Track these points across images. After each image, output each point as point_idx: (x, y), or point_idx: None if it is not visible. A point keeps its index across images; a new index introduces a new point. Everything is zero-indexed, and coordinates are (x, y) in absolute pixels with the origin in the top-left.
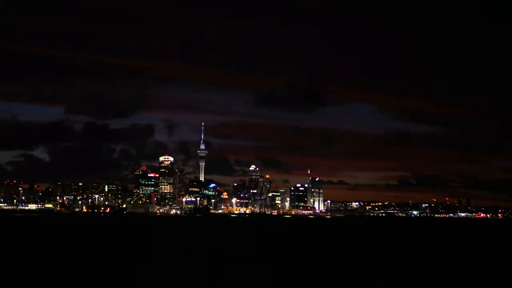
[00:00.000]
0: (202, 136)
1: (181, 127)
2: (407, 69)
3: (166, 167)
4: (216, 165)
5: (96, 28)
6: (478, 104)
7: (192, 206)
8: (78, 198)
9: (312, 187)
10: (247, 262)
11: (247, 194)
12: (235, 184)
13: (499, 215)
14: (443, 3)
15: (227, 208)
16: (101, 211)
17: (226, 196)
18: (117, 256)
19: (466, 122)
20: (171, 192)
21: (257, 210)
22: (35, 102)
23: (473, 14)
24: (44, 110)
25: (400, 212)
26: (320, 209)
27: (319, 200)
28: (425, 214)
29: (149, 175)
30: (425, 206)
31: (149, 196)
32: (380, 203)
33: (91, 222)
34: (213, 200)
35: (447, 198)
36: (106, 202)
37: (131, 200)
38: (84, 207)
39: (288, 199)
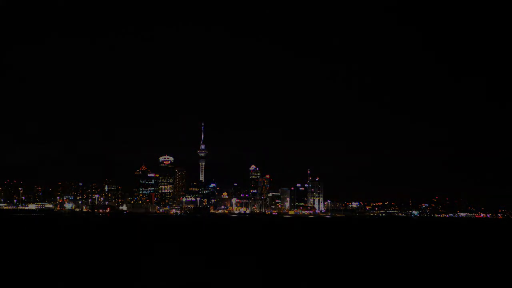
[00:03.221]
0: (202, 136)
1: None
2: None
3: (166, 167)
4: None
5: None
6: None
7: (192, 206)
8: (78, 198)
9: (312, 187)
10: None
11: (247, 194)
12: (235, 184)
13: (499, 215)
14: None
15: (227, 208)
16: (101, 211)
17: (226, 196)
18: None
19: None
20: (171, 192)
21: (257, 210)
22: None
23: None
24: None
25: (400, 212)
26: (320, 209)
27: (319, 200)
28: (425, 214)
29: (149, 175)
30: (425, 206)
31: (149, 196)
32: (380, 203)
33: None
34: (213, 200)
35: (447, 198)
36: (106, 202)
37: (131, 200)
38: (84, 207)
39: (288, 199)
